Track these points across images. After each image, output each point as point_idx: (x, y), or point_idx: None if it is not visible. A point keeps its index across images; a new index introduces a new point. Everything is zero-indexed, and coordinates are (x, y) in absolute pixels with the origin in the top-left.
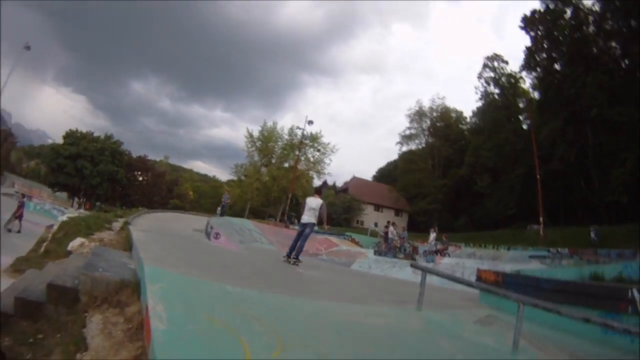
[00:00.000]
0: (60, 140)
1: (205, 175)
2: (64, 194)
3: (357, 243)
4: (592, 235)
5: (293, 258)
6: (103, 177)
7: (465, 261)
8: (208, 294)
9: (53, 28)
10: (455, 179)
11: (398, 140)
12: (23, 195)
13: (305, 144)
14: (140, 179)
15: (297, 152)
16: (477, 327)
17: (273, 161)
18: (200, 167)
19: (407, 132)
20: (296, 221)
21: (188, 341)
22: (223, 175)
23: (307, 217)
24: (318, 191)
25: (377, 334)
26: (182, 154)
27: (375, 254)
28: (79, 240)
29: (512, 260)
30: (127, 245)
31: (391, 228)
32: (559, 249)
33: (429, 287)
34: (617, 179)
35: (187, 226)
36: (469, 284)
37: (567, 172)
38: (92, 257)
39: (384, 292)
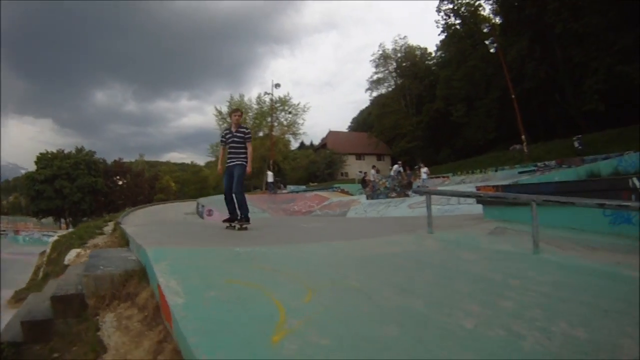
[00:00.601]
0: (34, 167)
1: (183, 164)
2: (50, 219)
3: (347, 193)
4: (577, 144)
5: (238, 222)
6: (84, 191)
7: (457, 188)
8: (219, 260)
9: (4, 59)
10: (430, 113)
11: (367, 87)
12: None
13: (276, 108)
14: (120, 183)
15: (269, 119)
16: (491, 238)
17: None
18: (177, 157)
19: (375, 77)
20: (282, 185)
21: (213, 307)
22: (200, 159)
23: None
24: (235, 114)
25: (400, 260)
26: (156, 149)
27: (368, 198)
28: (74, 252)
29: (503, 179)
30: (124, 241)
31: (372, 171)
32: (546, 162)
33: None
34: (591, 88)
35: (177, 213)
36: (476, 196)
37: (541, 89)
38: (90, 260)
39: (390, 226)
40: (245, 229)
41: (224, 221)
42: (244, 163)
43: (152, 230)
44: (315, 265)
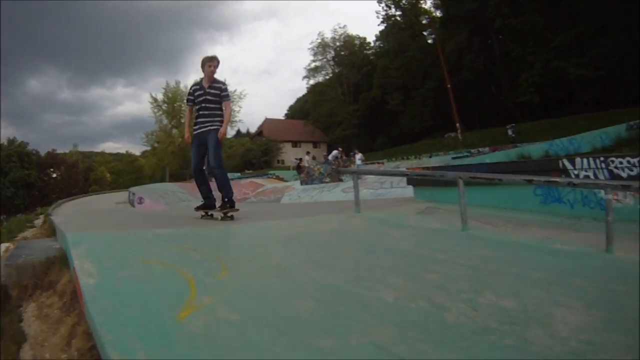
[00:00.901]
0: None
1: (118, 154)
2: None
3: (282, 179)
4: (510, 133)
5: (221, 209)
6: (16, 185)
7: None
8: (139, 242)
9: None
10: (367, 102)
11: (305, 75)
12: None
13: None
14: (54, 175)
15: None
16: (420, 217)
17: (182, 121)
18: (112, 147)
19: (313, 65)
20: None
21: (124, 287)
22: (135, 148)
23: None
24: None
25: (325, 237)
26: (90, 139)
27: (302, 184)
28: (4, 246)
29: (437, 165)
30: (51, 232)
31: (306, 157)
32: (480, 149)
33: (363, 200)
34: (526, 81)
35: (109, 202)
36: (403, 174)
37: (478, 81)
38: (14, 250)
39: (320, 209)
40: (232, 218)
41: (198, 209)
42: (220, 127)
43: (79, 219)
44: (237, 244)
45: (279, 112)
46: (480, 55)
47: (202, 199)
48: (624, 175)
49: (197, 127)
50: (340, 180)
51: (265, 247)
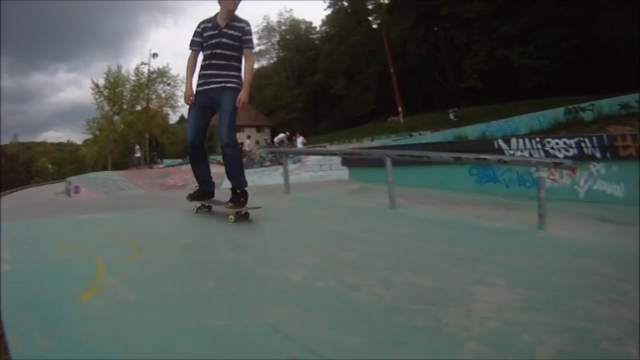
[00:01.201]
0: None
1: (60, 143)
2: None
3: (223, 164)
4: (452, 117)
5: (233, 203)
6: None
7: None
8: (59, 228)
9: None
10: (311, 86)
11: None
12: None
13: (153, 79)
14: None
15: (147, 91)
16: (351, 196)
17: (124, 107)
18: (54, 136)
19: (257, 48)
20: (160, 160)
21: (35, 271)
22: (78, 137)
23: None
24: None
25: (260, 215)
26: (32, 129)
27: (247, 167)
28: None
29: None
30: None
31: (247, 141)
32: (421, 132)
33: (302, 182)
34: (470, 68)
35: (48, 193)
36: (332, 154)
37: (422, 67)
38: None
39: (256, 192)
40: (247, 216)
41: (192, 198)
42: (238, 87)
43: (12, 210)
44: (157, 228)
45: None
46: (425, 41)
47: (197, 184)
48: (561, 156)
49: (202, 82)
50: (280, 163)
51: (183, 229)
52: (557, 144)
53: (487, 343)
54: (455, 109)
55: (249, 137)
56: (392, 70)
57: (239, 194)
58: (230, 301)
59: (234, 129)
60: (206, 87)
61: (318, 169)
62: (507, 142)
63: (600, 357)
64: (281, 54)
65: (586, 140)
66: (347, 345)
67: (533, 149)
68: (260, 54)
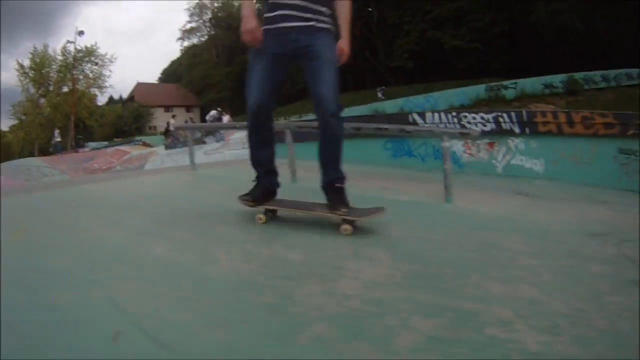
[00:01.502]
0: None
1: None
2: None
3: (148, 145)
4: (379, 94)
5: (337, 203)
6: None
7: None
8: None
9: None
10: (242, 65)
11: (179, 36)
12: None
13: (80, 59)
14: None
15: (73, 72)
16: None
17: (51, 89)
18: None
19: (188, 26)
20: (86, 144)
21: None
22: (3, 123)
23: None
24: None
25: (151, 191)
26: None
27: (166, 149)
28: None
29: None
30: None
31: (171, 121)
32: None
33: (222, 162)
34: (401, 48)
35: None
36: (242, 127)
37: (354, 46)
38: None
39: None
40: (352, 224)
41: (251, 199)
42: (333, 31)
43: None
44: (44, 210)
45: (153, 76)
46: (358, 21)
47: (255, 177)
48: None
49: (274, 15)
50: (204, 142)
51: (70, 208)
52: (474, 118)
53: (338, 325)
54: (383, 87)
55: (174, 116)
56: None
57: (342, 191)
58: (84, 276)
59: (336, 91)
60: (283, 24)
61: (241, 147)
62: (423, 116)
63: (484, 343)
64: (212, 32)
65: (504, 115)
66: (180, 322)
67: (449, 123)
68: (191, 31)
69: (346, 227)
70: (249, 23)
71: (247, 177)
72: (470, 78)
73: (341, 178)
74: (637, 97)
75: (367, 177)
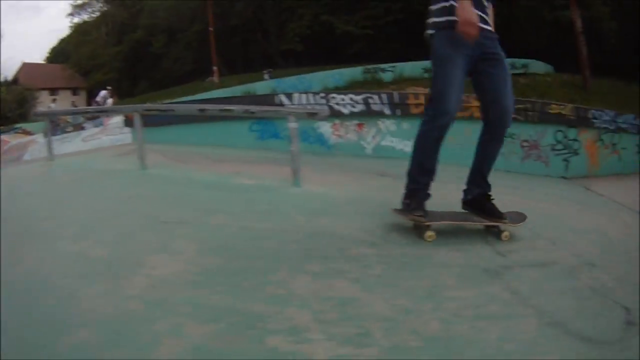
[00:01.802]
0: None
1: None
2: None
3: (29, 133)
4: (266, 77)
5: (502, 215)
6: None
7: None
8: None
9: None
10: (131, 44)
11: (69, 12)
12: None
13: None
14: None
15: None
16: (115, 159)
17: None
18: None
19: (79, 1)
20: None
21: None
22: None
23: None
24: None
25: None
26: None
27: (45, 136)
28: None
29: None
30: None
31: (52, 105)
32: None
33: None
34: (293, 31)
35: None
36: (84, 112)
37: (245, 27)
38: None
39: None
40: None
41: (417, 212)
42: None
43: None
44: None
45: (42, 55)
46: (252, 3)
47: (411, 183)
48: (346, 111)
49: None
50: (83, 128)
51: None
52: (342, 99)
53: (101, 331)
54: (271, 69)
55: (54, 100)
56: (211, 29)
57: (489, 198)
58: None
59: (501, 127)
60: (482, 25)
61: (119, 132)
62: (289, 96)
63: (261, 356)
64: (104, 8)
65: (374, 96)
66: None
67: (317, 104)
68: (82, 6)
69: (507, 233)
70: (472, 14)
71: (100, 166)
72: (360, 64)
73: (490, 187)
74: (520, 85)
75: (222, 161)
